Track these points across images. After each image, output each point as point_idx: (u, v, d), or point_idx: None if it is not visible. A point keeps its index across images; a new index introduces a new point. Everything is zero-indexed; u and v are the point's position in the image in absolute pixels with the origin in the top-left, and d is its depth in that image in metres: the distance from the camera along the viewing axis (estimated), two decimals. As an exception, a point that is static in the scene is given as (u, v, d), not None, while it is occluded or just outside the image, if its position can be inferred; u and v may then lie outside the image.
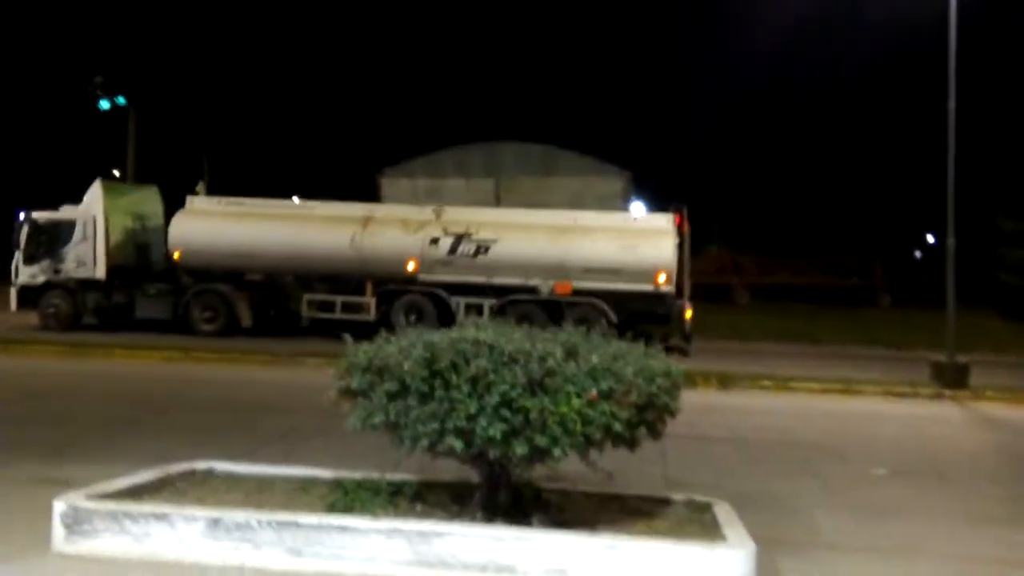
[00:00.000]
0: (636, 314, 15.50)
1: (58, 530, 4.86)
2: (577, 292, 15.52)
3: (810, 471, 8.02)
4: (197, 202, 17.56)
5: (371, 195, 35.95)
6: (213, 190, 27.56)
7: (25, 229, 17.06)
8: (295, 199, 18.88)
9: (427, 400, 4.64)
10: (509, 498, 5.04)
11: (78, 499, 4.93)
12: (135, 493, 5.28)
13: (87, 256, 16.74)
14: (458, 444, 4.61)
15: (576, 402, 4.50)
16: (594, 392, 4.53)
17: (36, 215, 17.19)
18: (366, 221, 16.62)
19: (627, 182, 26.22)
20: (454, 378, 4.62)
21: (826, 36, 42.32)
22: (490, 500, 5.01)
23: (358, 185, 39.84)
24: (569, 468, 5.17)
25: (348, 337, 5.22)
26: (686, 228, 16.30)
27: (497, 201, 34.07)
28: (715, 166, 46.47)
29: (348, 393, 5.03)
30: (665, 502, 5.63)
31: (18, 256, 16.95)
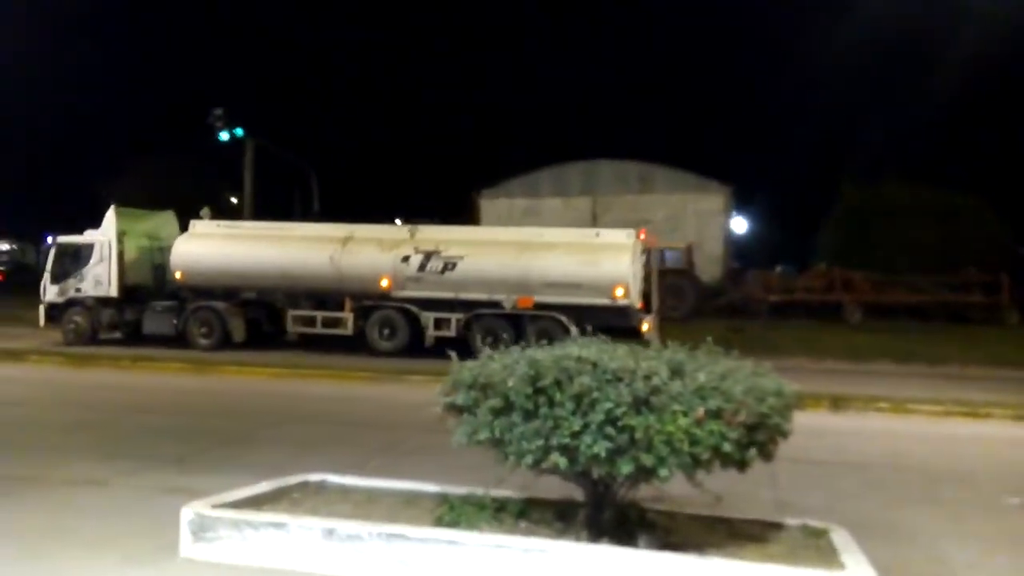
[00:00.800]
0: (597, 326, 15.42)
1: (185, 536, 5.15)
2: (539, 306, 15.89)
3: (933, 498, 7.57)
4: (198, 226, 18.41)
5: (470, 215, 36.61)
6: (323, 212, 28.81)
7: (52, 252, 18.55)
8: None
9: (531, 417, 4.68)
10: (614, 518, 5.00)
11: (203, 508, 5.21)
12: (255, 503, 5.54)
13: (103, 276, 17.91)
14: (562, 462, 4.62)
15: (683, 421, 4.43)
16: (701, 411, 4.45)
17: (61, 239, 18.60)
18: (345, 240, 17.11)
19: (728, 197, 25.74)
20: (558, 395, 4.64)
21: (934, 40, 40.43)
22: (594, 519, 4.98)
23: (457, 205, 40.69)
24: (674, 489, 5.08)
25: (453, 354, 5.32)
26: (651, 243, 16.98)
27: (594, 219, 34.03)
28: (819, 179, 44.90)
29: (453, 409, 5.12)
30: (777, 527, 5.44)
31: (46, 276, 18.40)
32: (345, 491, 6.09)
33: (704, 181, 33.58)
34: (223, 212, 52.33)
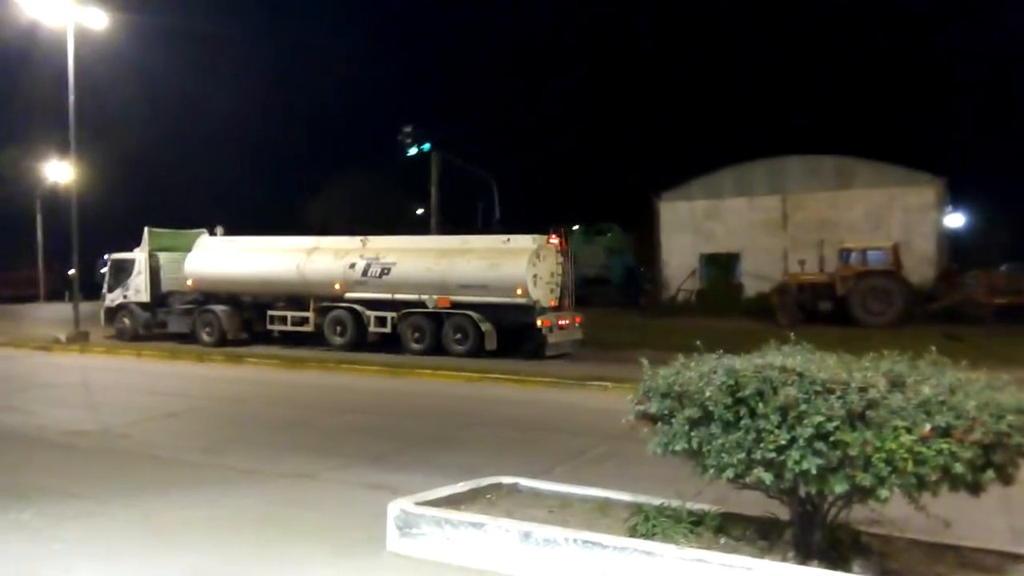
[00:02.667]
0: (505, 323, 17.47)
1: (392, 531, 5.42)
2: (455, 304, 17.68)
3: None
4: (206, 241, 21.60)
5: (649, 219, 36.02)
6: (504, 221, 29.59)
7: (108, 266, 22.46)
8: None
9: (732, 429, 4.46)
10: (824, 539, 4.65)
11: (408, 505, 5.46)
12: (453, 502, 5.72)
13: (141, 286, 21.57)
14: (767, 477, 4.36)
15: (906, 438, 4.03)
16: (928, 428, 4.03)
17: (113, 256, 22.56)
18: (310, 251, 19.87)
19: (942, 190, 23.45)
20: (761, 407, 4.39)
21: None
22: (803, 540, 4.66)
23: (636, 210, 40.23)
24: (892, 512, 4.66)
25: (645, 361, 5.20)
26: (563, 247, 18.47)
27: (785, 220, 32.26)
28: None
29: (646, 418, 5.00)
30: (1015, 557, 4.84)
31: (104, 286, 22.31)
32: (537, 495, 6.14)
33: (913, 173, 30.60)
34: (410, 225, 55.29)
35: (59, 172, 35.74)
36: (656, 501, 5.45)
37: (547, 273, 17.81)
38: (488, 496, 6.06)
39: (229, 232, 21.69)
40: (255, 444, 9.58)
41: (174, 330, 21.29)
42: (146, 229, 22.05)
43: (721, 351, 4.98)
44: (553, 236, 18.35)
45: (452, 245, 18.89)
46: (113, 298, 22.15)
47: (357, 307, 18.84)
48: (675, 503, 5.29)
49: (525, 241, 17.88)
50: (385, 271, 18.55)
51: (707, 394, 4.52)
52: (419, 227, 46.66)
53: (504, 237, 18.86)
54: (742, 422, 4.43)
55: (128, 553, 5.59)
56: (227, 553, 5.56)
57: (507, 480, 6.37)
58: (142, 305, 21.66)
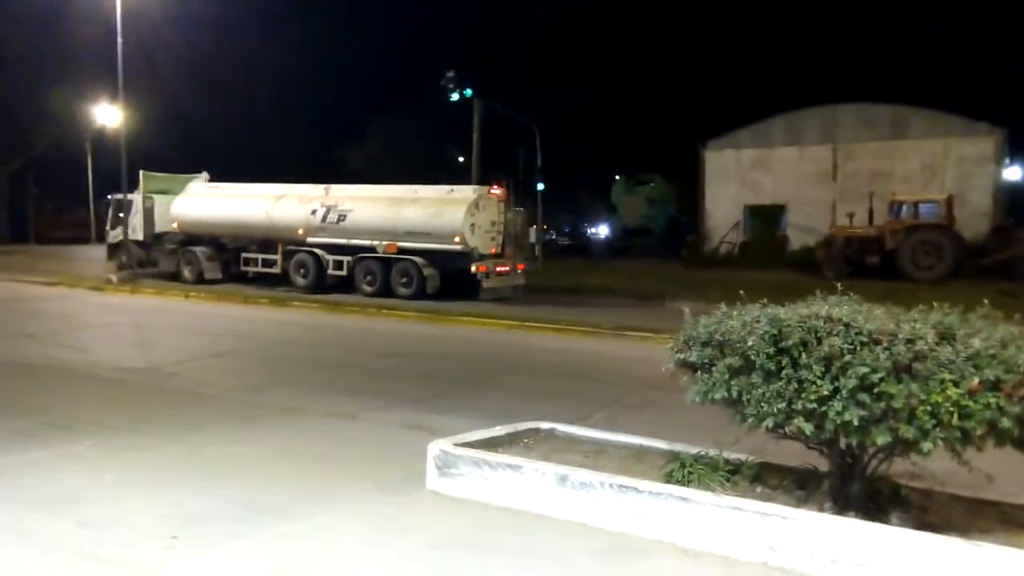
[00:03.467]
0: (447, 268, 18.64)
1: (431, 470, 5.53)
2: (401, 251, 18.83)
3: None
4: (191, 186, 23.13)
5: (694, 168, 35.37)
6: (545, 169, 29.32)
7: (111, 205, 24.44)
8: (617, 178, 19.86)
9: (773, 378, 4.41)
10: (863, 491, 4.62)
11: (447, 445, 5.55)
12: (490, 444, 5.81)
13: (137, 225, 23.34)
14: (808, 427, 4.32)
15: (953, 391, 3.95)
16: (976, 381, 3.94)
17: (114, 196, 24.20)
18: (278, 198, 21.11)
19: (1001, 141, 22.56)
20: (804, 357, 4.33)
21: None
22: (841, 491, 4.64)
23: (681, 158, 39.50)
24: (934, 466, 4.60)
25: (686, 310, 5.15)
26: (504, 196, 19.54)
27: (835, 171, 31.44)
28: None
29: (686, 366, 4.98)
30: (1060, 516, 4.75)
31: (108, 223, 24.55)
32: (573, 441, 6.19)
33: (971, 123, 29.38)
34: (451, 171, 55.22)
35: (108, 115, 36.28)
36: (693, 449, 5.45)
37: (487, 222, 18.94)
38: (525, 440, 6.13)
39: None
40: (298, 384, 9.80)
41: (162, 268, 22.94)
42: (141, 172, 23.39)
43: (765, 300, 4.91)
44: (495, 187, 19.59)
45: (402, 194, 19.79)
46: (115, 235, 24.20)
47: (318, 251, 20.14)
48: (712, 452, 5.29)
49: (466, 192, 19.13)
50: (342, 218, 19.76)
51: (749, 343, 4.47)
52: (461, 174, 46.61)
53: (449, 188, 19.80)
54: (784, 372, 4.38)
55: (176, 484, 5.81)
56: (272, 487, 5.73)
57: (544, 425, 6.43)
58: (137, 243, 23.45)
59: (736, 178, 33.64)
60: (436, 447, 5.59)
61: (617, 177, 45.34)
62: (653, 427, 6.92)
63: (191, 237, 22.46)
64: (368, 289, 19.09)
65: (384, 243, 19.03)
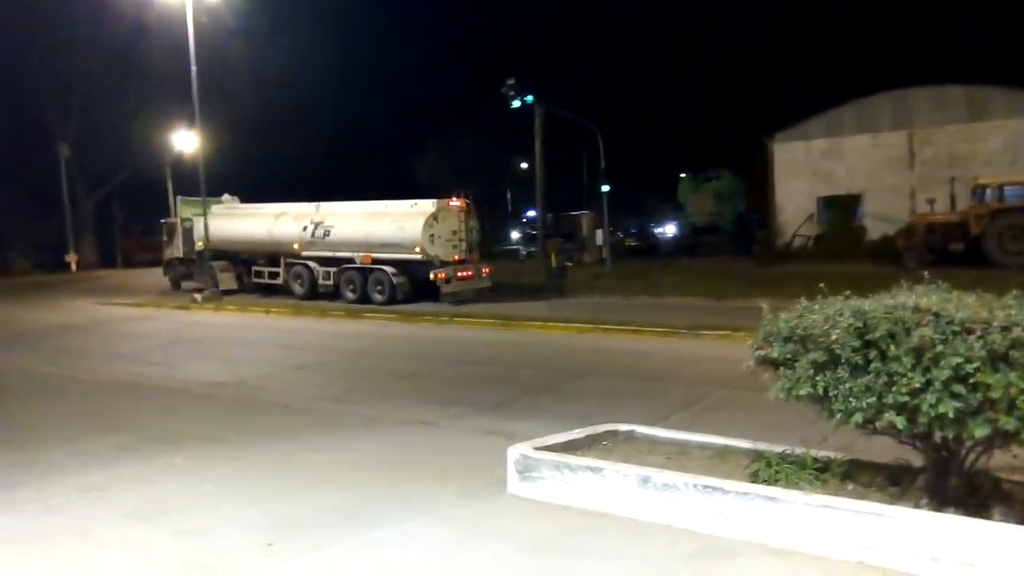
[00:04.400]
0: (415, 275, 20.25)
1: (512, 475, 5.58)
2: (375, 261, 20.70)
3: None
4: (214, 208, 25.31)
5: (762, 162, 34.59)
6: (609, 171, 29.16)
7: (164, 229, 28.08)
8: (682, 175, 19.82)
9: (860, 372, 4.30)
10: (961, 486, 4.45)
11: (527, 449, 5.60)
12: (569, 447, 5.82)
13: (179, 244, 26.51)
14: (899, 421, 4.19)
15: (1056, 380, 3.77)
16: (1081, 369, 3.76)
17: (164, 220, 28.46)
18: (278, 216, 23.32)
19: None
20: (892, 349, 4.20)
21: None
22: (937, 486, 4.48)
23: (748, 152, 38.69)
24: (1037, 458, 4.40)
25: (764, 306, 5.06)
26: (464, 207, 20.88)
27: (911, 157, 30.29)
28: None
29: (767, 363, 4.89)
30: None
31: (164, 243, 27.83)
32: (653, 442, 6.15)
33: None
34: (513, 179, 55.28)
35: (185, 141, 37.80)
36: (778, 448, 5.35)
37: (448, 232, 20.58)
38: (604, 442, 6.12)
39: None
40: (379, 393, 10.02)
41: (196, 281, 25.64)
42: (179, 198, 26.80)
43: (848, 292, 4.79)
44: (454, 199, 20.92)
45: (374, 209, 21.53)
46: (167, 254, 27.63)
47: (310, 263, 22.40)
48: (798, 450, 5.18)
49: (426, 205, 20.56)
50: (327, 233, 21.86)
51: (833, 337, 4.37)
52: (525, 182, 46.75)
53: (412, 202, 21.12)
54: (872, 365, 4.26)
55: (269, 493, 6.02)
56: (360, 493, 5.88)
57: (623, 427, 6.40)
58: (179, 260, 26.82)
59: (807, 170, 32.74)
60: (516, 451, 5.63)
61: (683, 175, 44.74)
62: (734, 426, 6.82)
63: (215, 253, 24.90)
64: (351, 296, 21.07)
65: (360, 255, 21.12)
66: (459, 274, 20.34)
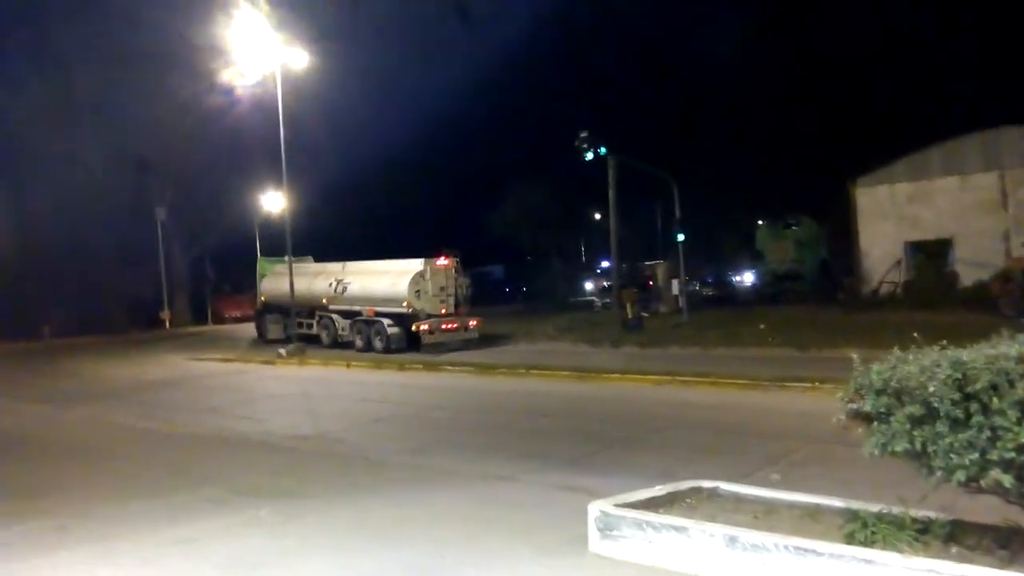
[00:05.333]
0: (407, 326, 22.59)
1: (593, 532, 5.47)
2: (377, 313, 23.40)
3: None
4: (274, 268, 28.57)
5: (845, 208, 33.71)
6: (684, 220, 28.96)
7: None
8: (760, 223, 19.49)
9: (961, 427, 4.08)
10: (1080, 551, 4.13)
11: (607, 506, 5.48)
12: (651, 505, 5.67)
13: (258, 299, 29.53)
14: (1006, 479, 3.94)
15: None
16: None
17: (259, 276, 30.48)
18: (316, 274, 26.17)
19: None
20: (995, 402, 3.98)
21: None
22: (1053, 550, 4.17)
23: (828, 198, 37.78)
24: None
25: (855, 356, 4.88)
26: (451, 265, 23.34)
27: (1004, 199, 28.99)
28: None
29: (859, 417, 4.69)
30: None
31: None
32: (739, 500, 5.94)
33: None
34: (587, 229, 55.34)
35: (273, 202, 39.48)
36: (873, 507, 5.08)
37: (436, 288, 22.88)
38: (687, 500, 5.95)
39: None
40: (456, 446, 10.03)
41: (260, 332, 29.06)
42: (259, 259, 30.78)
43: (944, 342, 4.57)
44: (442, 258, 23.32)
45: (378, 268, 24.44)
46: (256, 309, 30.48)
47: (334, 316, 24.98)
48: (895, 509, 4.91)
49: (416, 264, 23.10)
50: (345, 289, 24.67)
51: (930, 389, 4.17)
52: (598, 232, 46.78)
53: (407, 261, 23.57)
54: (973, 419, 4.04)
55: (351, 548, 6.06)
56: (437, 549, 5.86)
57: (706, 484, 6.21)
58: (259, 313, 29.68)
59: (892, 214, 31.69)
60: (596, 508, 5.53)
61: (760, 222, 43.94)
62: (824, 484, 6.53)
63: (269, 307, 28.19)
64: (359, 344, 23.67)
65: (366, 308, 23.79)
66: (443, 326, 22.64)
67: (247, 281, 47.79)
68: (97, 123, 45.11)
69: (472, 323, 23.29)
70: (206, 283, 51.42)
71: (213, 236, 49.44)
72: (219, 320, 48.80)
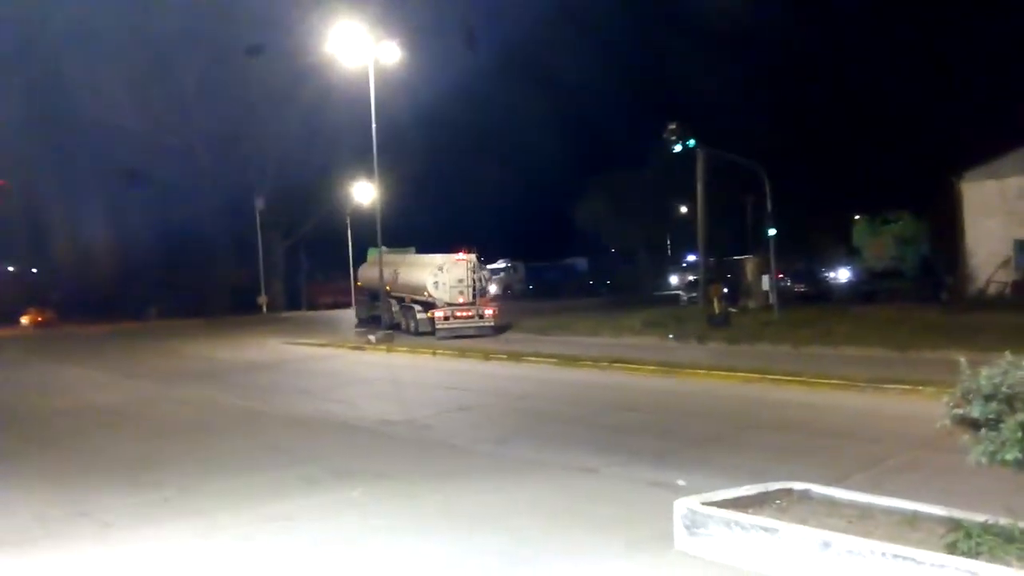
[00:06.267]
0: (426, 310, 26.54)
1: (679, 529, 5.43)
2: (412, 300, 27.10)
3: None
4: (369, 256, 32.11)
5: (950, 202, 32.03)
6: (775, 213, 28.13)
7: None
8: None
9: (1079, 438, 3.85)
10: None
11: (694, 504, 5.43)
12: (739, 504, 5.58)
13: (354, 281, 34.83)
14: None
15: None
16: None
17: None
18: (387, 264, 28.30)
19: None
20: (1118, 412, 3.75)
21: None
22: None
23: (930, 192, 35.98)
24: None
25: (963, 360, 4.67)
26: (467, 260, 26.34)
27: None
28: None
29: (966, 423, 4.49)
30: None
31: None
32: (832, 504, 5.76)
33: None
34: (673, 222, 54.42)
35: (364, 193, 40.53)
36: (978, 517, 4.86)
37: (454, 280, 25.90)
38: (777, 501, 5.81)
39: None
40: (540, 437, 10.11)
41: (357, 312, 33.87)
42: (371, 248, 32.20)
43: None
44: (461, 253, 26.31)
45: (417, 260, 28.37)
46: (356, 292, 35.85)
47: (391, 300, 28.44)
48: (1003, 520, 4.68)
49: (436, 259, 26.53)
50: (397, 278, 28.02)
51: (1045, 397, 3.96)
52: (685, 225, 45.96)
53: (431, 256, 27.31)
54: (1092, 430, 3.81)
55: (437, 532, 6.21)
56: (524, 538, 5.94)
57: (798, 486, 6.05)
58: (355, 296, 35.24)
59: (1001, 210, 29.92)
60: (683, 505, 5.48)
61: (857, 216, 42.24)
62: (922, 490, 6.28)
63: (362, 291, 33.33)
64: (403, 326, 27.44)
65: (407, 295, 27.56)
66: (457, 314, 25.51)
67: (339, 269, 49.33)
68: (202, 117, 47.30)
69: (488, 312, 25.69)
70: (301, 270, 53.31)
71: (307, 226, 51.17)
72: (312, 306, 50.54)
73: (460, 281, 25.86)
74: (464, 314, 25.56)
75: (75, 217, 49.21)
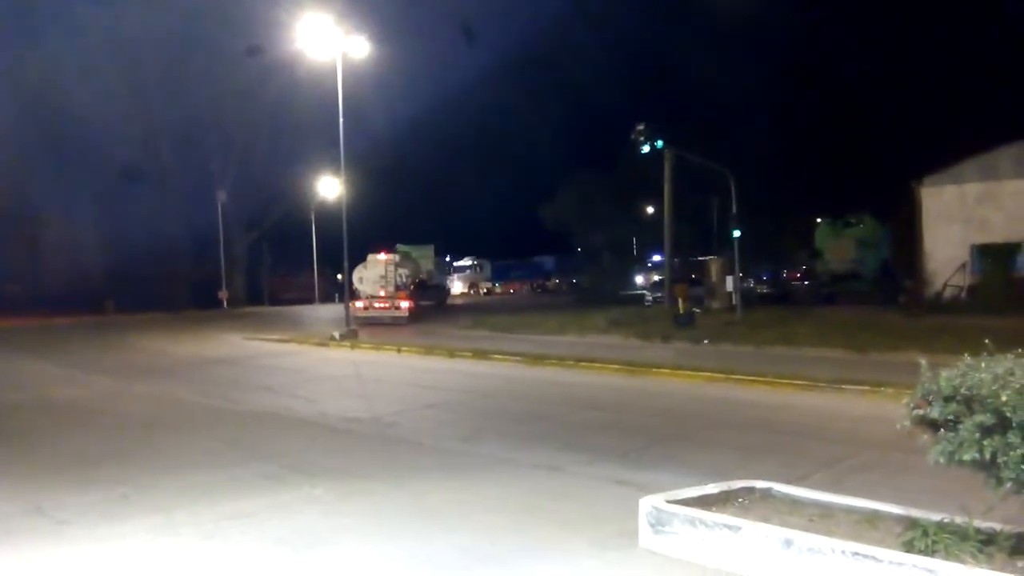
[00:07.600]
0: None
1: (644, 527, 5.46)
2: (416, 285, 34.79)
3: None
4: (369, 259, 33.06)
5: (909, 207, 32.76)
6: (741, 216, 28.49)
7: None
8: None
9: (1035, 438, 3.95)
10: None
11: (659, 502, 5.47)
12: (703, 503, 5.64)
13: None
14: (1081, 495, 3.82)
15: None
16: None
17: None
18: (367, 264, 32.57)
19: None
20: (1071, 414, 3.85)
21: None
22: None
23: (892, 197, 36.74)
24: None
25: (924, 363, 4.76)
26: (389, 259, 32.35)
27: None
28: None
29: (925, 424, 4.58)
30: None
31: None
32: (794, 502, 5.85)
33: None
34: (644, 224, 54.87)
35: (329, 188, 40.14)
36: (934, 516, 4.96)
37: (376, 276, 31.31)
38: (740, 499, 5.89)
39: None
40: (506, 435, 10.10)
41: (419, 301, 36.24)
42: (397, 247, 36.95)
43: (1021, 350, 4.43)
44: (381, 253, 31.97)
45: (416, 254, 35.75)
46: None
47: (360, 293, 31.55)
48: (959, 519, 4.79)
49: (370, 258, 31.78)
50: (361, 279, 31.65)
51: (1003, 398, 4.05)
52: (652, 226, 46.28)
53: (425, 247, 36.31)
54: (1048, 431, 3.91)
55: (404, 529, 6.17)
56: (491, 536, 5.93)
57: (760, 484, 6.14)
58: (412, 287, 36.81)
59: (959, 216, 30.72)
60: (648, 503, 5.52)
61: (819, 219, 43.01)
62: (882, 490, 6.40)
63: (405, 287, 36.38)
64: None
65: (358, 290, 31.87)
66: (376, 304, 30.52)
67: (303, 264, 48.85)
68: (163, 108, 46.42)
69: (404, 304, 30.71)
70: (262, 265, 52.59)
71: (271, 220, 50.51)
72: (275, 301, 49.87)
73: (381, 277, 31.19)
74: (382, 305, 30.59)
75: (29, 207, 47.93)
